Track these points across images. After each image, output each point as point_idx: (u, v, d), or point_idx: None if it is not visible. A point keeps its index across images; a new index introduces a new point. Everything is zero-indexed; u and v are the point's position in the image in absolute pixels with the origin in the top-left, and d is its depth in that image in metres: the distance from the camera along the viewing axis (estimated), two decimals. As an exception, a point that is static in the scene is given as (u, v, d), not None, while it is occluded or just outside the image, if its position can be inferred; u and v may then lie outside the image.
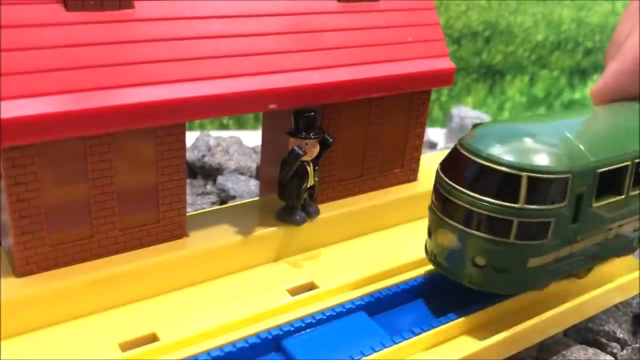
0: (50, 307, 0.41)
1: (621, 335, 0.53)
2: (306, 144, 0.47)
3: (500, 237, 0.41)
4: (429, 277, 0.49)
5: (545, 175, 0.41)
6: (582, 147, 0.43)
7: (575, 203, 0.43)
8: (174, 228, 0.46)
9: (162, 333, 0.41)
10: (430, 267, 0.48)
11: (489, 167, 0.41)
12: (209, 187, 0.76)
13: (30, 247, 0.40)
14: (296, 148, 0.47)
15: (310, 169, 0.48)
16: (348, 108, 0.52)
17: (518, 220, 0.41)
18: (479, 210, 0.41)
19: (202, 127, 1.04)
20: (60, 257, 0.42)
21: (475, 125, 0.46)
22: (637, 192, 0.48)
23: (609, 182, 0.46)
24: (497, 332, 0.44)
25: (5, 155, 0.38)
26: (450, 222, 0.43)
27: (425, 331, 0.43)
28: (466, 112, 1.07)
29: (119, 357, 0.38)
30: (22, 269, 0.41)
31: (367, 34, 0.51)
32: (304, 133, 0.47)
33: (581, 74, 1.31)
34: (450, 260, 0.44)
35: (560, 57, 1.28)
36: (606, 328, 0.54)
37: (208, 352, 0.40)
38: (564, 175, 0.41)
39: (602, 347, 0.53)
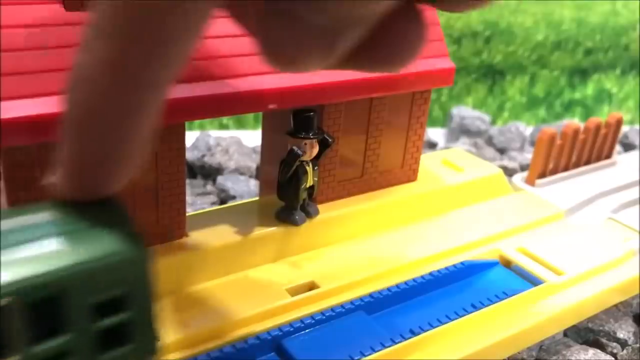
0: (49, 307, 0.41)
1: (621, 335, 0.53)
2: (305, 143, 0.47)
3: None
4: (428, 277, 0.49)
5: None
6: None
7: None
8: (173, 228, 0.46)
9: (162, 333, 0.41)
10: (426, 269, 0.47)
11: None
12: (209, 187, 0.76)
13: (29, 247, 0.40)
14: (295, 148, 0.47)
15: (309, 169, 0.48)
16: (348, 108, 0.52)
17: None
18: None
19: (202, 127, 1.04)
20: (60, 257, 0.42)
21: None
22: None
23: None
24: (497, 330, 0.44)
25: (5, 155, 0.37)
26: None
27: (425, 331, 0.43)
28: (466, 112, 1.08)
29: (119, 357, 0.38)
30: (22, 269, 0.41)
31: (367, 34, 0.51)
32: (303, 133, 0.47)
33: (581, 74, 1.31)
34: None
35: (561, 57, 1.28)
36: (606, 328, 0.54)
37: (207, 353, 0.40)
38: None
39: (602, 347, 0.53)
